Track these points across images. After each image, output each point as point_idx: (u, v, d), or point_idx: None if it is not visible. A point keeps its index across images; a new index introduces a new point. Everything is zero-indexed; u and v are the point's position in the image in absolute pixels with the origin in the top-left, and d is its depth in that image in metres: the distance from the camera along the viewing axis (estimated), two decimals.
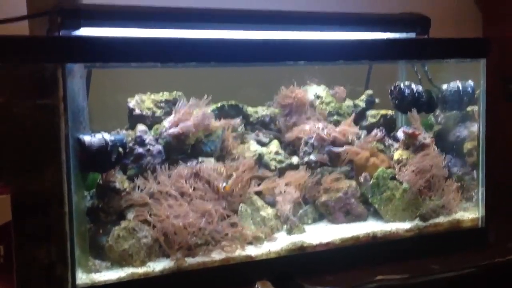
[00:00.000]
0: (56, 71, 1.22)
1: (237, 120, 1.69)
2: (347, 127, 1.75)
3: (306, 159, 1.70)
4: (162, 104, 1.64)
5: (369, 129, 1.83)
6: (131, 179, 1.49)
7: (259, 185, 1.59)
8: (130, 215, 1.44)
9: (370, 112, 1.90)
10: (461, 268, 1.53)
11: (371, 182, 1.68)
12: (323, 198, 1.66)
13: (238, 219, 1.49)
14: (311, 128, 1.73)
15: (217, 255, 1.43)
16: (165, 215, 1.40)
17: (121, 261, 1.38)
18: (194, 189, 1.46)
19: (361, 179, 1.69)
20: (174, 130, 1.55)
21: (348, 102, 1.91)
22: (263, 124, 1.79)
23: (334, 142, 1.72)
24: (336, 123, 1.79)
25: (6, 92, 1.19)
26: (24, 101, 1.20)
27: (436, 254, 1.59)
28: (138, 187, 1.45)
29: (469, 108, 1.81)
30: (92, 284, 1.30)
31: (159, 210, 1.41)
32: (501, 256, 1.60)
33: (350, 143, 1.73)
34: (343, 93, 1.90)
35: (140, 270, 1.36)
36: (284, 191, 1.60)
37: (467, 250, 1.63)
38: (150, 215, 1.41)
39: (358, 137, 1.76)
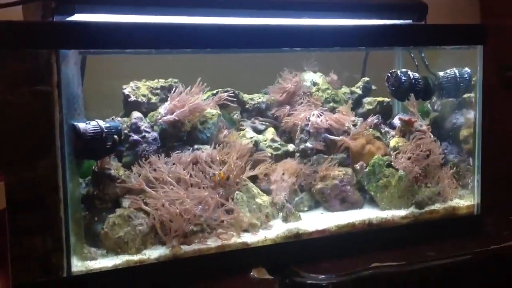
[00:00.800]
0: (50, 57, 1.21)
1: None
2: (343, 114, 1.75)
3: (302, 146, 1.70)
4: (158, 91, 1.64)
5: (366, 116, 1.82)
6: (126, 166, 1.48)
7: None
8: (126, 203, 1.43)
9: (367, 99, 1.90)
10: (456, 255, 1.54)
11: (367, 169, 1.68)
12: (319, 185, 1.66)
13: (233, 206, 1.48)
14: (306, 115, 1.72)
15: (212, 243, 1.42)
16: (161, 202, 1.39)
17: (116, 248, 1.37)
18: (190, 176, 1.45)
19: (357, 166, 1.69)
20: (169, 117, 1.55)
21: (345, 89, 1.90)
22: (259, 111, 1.79)
23: (330, 129, 1.72)
24: (333, 110, 1.78)
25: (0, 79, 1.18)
26: (18, 87, 1.19)
27: (432, 241, 1.60)
28: (135, 173, 1.45)
29: (465, 95, 1.80)
30: (87, 271, 1.30)
31: (155, 197, 1.41)
32: (496, 244, 1.61)
33: (346, 131, 1.72)
34: (334, 79, 1.89)
35: (136, 257, 1.36)
36: (281, 179, 1.60)
37: (462, 237, 1.63)
38: (145, 203, 1.41)
39: (355, 125, 1.76)
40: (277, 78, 1.81)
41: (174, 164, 1.46)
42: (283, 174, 1.61)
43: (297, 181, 1.65)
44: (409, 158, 1.67)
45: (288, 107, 1.78)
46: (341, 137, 1.71)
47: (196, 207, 1.41)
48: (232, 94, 1.70)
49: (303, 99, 1.77)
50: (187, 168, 1.46)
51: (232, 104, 1.70)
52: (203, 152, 1.52)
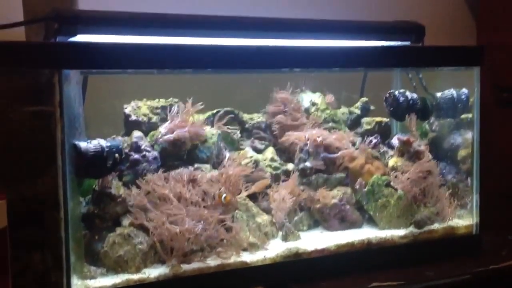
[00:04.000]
0: (53, 77, 1.22)
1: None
2: (343, 134, 1.76)
3: (301, 165, 1.71)
4: (158, 111, 1.65)
5: (364, 136, 1.83)
6: (126, 185, 1.49)
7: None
8: (126, 222, 1.44)
9: (365, 119, 1.91)
10: (455, 275, 1.54)
11: (366, 189, 1.69)
12: (318, 204, 1.66)
13: (233, 225, 1.48)
14: (305, 134, 1.73)
15: (212, 261, 1.43)
16: (161, 221, 1.40)
17: (116, 267, 1.38)
18: (191, 195, 1.46)
19: (356, 186, 1.70)
20: (170, 136, 1.56)
21: (343, 109, 1.92)
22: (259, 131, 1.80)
23: (329, 149, 1.72)
24: (331, 130, 1.79)
25: (2, 98, 1.19)
26: (20, 107, 1.20)
27: (431, 261, 1.60)
28: (137, 192, 1.45)
29: (463, 116, 1.81)
30: None
31: (156, 215, 1.41)
32: (496, 263, 1.61)
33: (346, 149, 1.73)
34: (330, 99, 1.90)
35: (136, 276, 1.36)
36: (282, 198, 1.60)
37: (461, 257, 1.64)
38: (146, 220, 1.41)
39: (354, 144, 1.77)
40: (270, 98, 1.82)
41: (173, 183, 1.47)
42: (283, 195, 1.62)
43: (297, 200, 1.65)
44: (408, 178, 1.67)
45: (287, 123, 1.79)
46: (340, 152, 1.72)
47: (196, 226, 1.41)
48: (232, 115, 1.71)
49: (302, 118, 1.79)
50: (186, 186, 1.47)
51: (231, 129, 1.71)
52: (202, 171, 1.53)
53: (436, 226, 1.68)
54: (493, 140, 1.80)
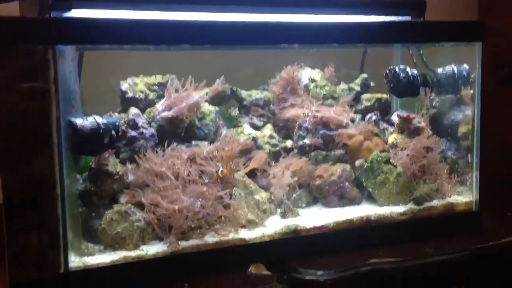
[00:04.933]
0: (47, 53, 1.21)
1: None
2: (342, 108, 1.75)
3: (300, 142, 1.70)
4: (155, 87, 1.63)
5: (364, 112, 1.82)
6: (123, 162, 1.48)
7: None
8: (123, 199, 1.43)
9: (365, 96, 1.90)
10: (454, 252, 1.54)
11: (365, 166, 1.68)
12: (317, 181, 1.65)
13: (231, 201, 1.48)
14: (304, 111, 1.72)
15: (210, 239, 1.42)
16: (158, 200, 1.39)
17: (114, 244, 1.37)
18: (189, 172, 1.45)
19: (356, 163, 1.69)
20: (167, 113, 1.54)
21: (343, 86, 1.90)
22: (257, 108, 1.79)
23: (328, 126, 1.71)
24: (331, 106, 1.78)
25: None
26: (14, 83, 1.18)
27: (430, 238, 1.60)
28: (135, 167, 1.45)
29: (463, 92, 1.80)
30: (85, 267, 1.30)
31: (153, 193, 1.41)
32: (494, 240, 1.60)
33: (344, 127, 1.72)
34: (331, 73, 1.88)
35: (133, 253, 1.36)
36: (282, 174, 1.59)
37: (460, 233, 1.63)
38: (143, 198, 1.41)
39: (353, 121, 1.76)
40: (277, 74, 1.81)
41: (170, 160, 1.46)
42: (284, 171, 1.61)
43: (298, 178, 1.64)
44: (407, 155, 1.67)
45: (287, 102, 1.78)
46: (339, 130, 1.71)
47: (194, 203, 1.40)
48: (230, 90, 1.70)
49: (301, 93, 1.77)
50: (185, 164, 1.46)
51: None
52: (200, 148, 1.52)
53: (435, 202, 1.67)
54: (493, 118, 1.78)
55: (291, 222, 1.53)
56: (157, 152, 1.46)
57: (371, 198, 1.69)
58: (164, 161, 1.45)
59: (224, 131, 1.63)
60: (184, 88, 1.56)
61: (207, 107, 1.63)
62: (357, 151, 1.70)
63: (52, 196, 1.23)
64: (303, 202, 1.66)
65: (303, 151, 1.69)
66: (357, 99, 1.90)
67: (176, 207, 1.39)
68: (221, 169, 1.46)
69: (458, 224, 1.66)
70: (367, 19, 1.65)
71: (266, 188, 1.61)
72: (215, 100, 1.68)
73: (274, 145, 1.70)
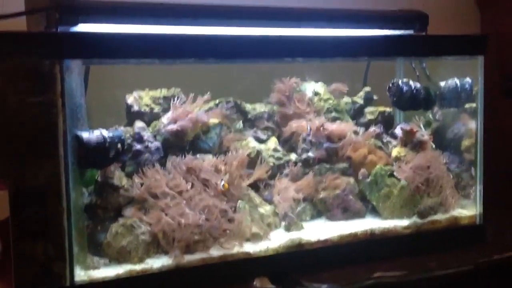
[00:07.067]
0: (54, 67, 1.21)
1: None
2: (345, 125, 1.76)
3: (304, 156, 1.70)
4: (160, 101, 1.64)
5: (367, 126, 1.82)
6: (129, 176, 1.48)
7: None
8: (128, 212, 1.43)
9: (368, 109, 1.90)
10: (458, 266, 1.53)
11: (369, 179, 1.68)
12: (321, 195, 1.66)
13: (236, 215, 1.48)
14: (308, 124, 1.73)
15: (215, 252, 1.42)
16: (161, 217, 1.39)
17: (119, 258, 1.37)
18: (192, 185, 1.46)
19: (360, 176, 1.69)
20: (172, 127, 1.55)
21: (346, 99, 1.91)
22: (261, 121, 1.79)
23: (332, 139, 1.72)
24: (334, 120, 1.79)
25: (3, 88, 1.18)
26: (22, 97, 1.19)
27: (434, 251, 1.60)
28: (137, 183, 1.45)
29: (467, 105, 1.81)
30: (90, 281, 1.30)
31: (156, 211, 1.41)
32: (499, 254, 1.60)
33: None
34: (343, 88, 1.88)
35: (138, 267, 1.36)
36: (286, 189, 1.60)
37: (465, 247, 1.63)
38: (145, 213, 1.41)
39: (356, 134, 1.76)
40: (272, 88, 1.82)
41: (170, 173, 1.46)
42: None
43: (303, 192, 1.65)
44: (411, 168, 1.67)
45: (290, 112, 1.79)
46: (342, 141, 1.71)
47: (199, 217, 1.40)
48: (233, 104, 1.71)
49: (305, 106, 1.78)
50: (185, 177, 1.46)
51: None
52: (203, 160, 1.52)
53: (439, 216, 1.67)
54: (498, 129, 1.79)
55: (295, 235, 1.53)
56: (160, 167, 1.46)
57: (375, 211, 1.69)
58: (164, 175, 1.45)
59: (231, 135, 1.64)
60: (190, 102, 1.57)
61: (211, 120, 1.64)
62: (361, 165, 1.70)
63: (58, 208, 1.23)
64: (307, 215, 1.66)
65: (307, 164, 1.70)
66: (360, 112, 1.90)
67: (183, 221, 1.39)
68: (222, 182, 1.47)
69: (462, 238, 1.66)
70: (371, 32, 1.66)
71: (269, 201, 1.61)
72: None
73: (278, 158, 1.70)
